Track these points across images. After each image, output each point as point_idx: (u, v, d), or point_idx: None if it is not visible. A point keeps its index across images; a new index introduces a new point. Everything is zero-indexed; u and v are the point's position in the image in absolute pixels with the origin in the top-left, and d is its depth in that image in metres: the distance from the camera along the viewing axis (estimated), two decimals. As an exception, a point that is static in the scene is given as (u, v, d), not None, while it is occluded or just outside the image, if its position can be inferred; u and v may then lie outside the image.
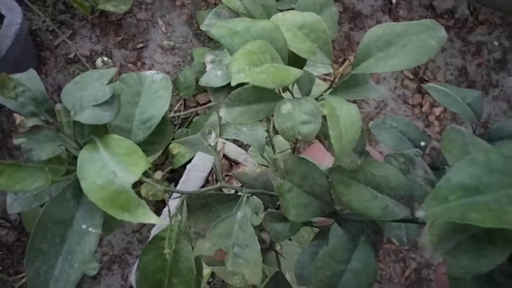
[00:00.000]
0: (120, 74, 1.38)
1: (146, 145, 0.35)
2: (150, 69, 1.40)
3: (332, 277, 0.32)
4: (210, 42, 1.47)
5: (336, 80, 0.32)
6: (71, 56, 1.34)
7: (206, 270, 0.82)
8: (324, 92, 0.32)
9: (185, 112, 1.33)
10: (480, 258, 0.26)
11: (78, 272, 0.25)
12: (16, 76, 0.31)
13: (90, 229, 0.27)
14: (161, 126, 0.36)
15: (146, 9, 1.48)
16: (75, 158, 0.33)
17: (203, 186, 1.05)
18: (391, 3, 1.57)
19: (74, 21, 1.38)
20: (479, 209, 0.23)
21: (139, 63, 1.39)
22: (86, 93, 0.30)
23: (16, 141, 0.26)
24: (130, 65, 1.38)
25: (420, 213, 0.25)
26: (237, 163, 1.00)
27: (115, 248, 1.19)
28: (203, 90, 1.40)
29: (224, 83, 0.40)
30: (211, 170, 1.01)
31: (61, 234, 0.27)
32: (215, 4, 1.52)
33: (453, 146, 0.31)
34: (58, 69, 1.32)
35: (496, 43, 1.55)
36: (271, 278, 0.46)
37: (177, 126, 1.33)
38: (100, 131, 0.31)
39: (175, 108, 1.38)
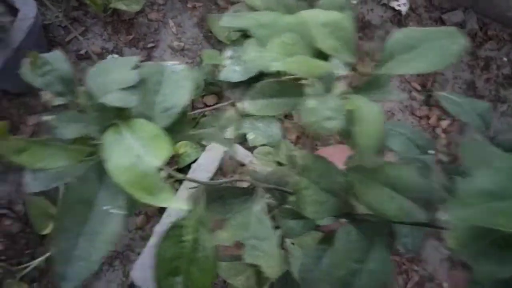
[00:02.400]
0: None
1: (166, 133, 0.35)
2: (159, 68, 1.41)
3: (347, 276, 0.32)
4: (220, 45, 1.48)
5: (356, 81, 0.32)
6: (82, 52, 1.35)
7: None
8: (346, 90, 0.33)
9: (193, 113, 1.34)
10: (503, 264, 0.26)
11: (100, 252, 0.25)
12: (44, 54, 0.32)
13: (112, 210, 0.27)
14: (181, 116, 0.36)
15: (158, 10, 1.49)
16: (95, 143, 0.33)
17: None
18: (401, 14, 1.58)
19: (86, 18, 1.39)
20: (504, 214, 0.24)
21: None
22: (112, 76, 0.31)
23: (45, 117, 0.27)
24: (140, 64, 1.39)
25: (443, 216, 0.25)
26: (242, 164, 1.00)
27: (117, 244, 1.19)
28: (211, 92, 1.41)
29: (242, 79, 0.41)
30: (216, 171, 1.02)
31: (84, 213, 0.27)
32: (226, 9, 1.53)
33: (472, 153, 0.32)
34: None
35: (505, 59, 1.55)
36: (280, 277, 0.46)
37: (183, 127, 1.34)
38: (124, 115, 0.31)
39: (182, 108, 1.38)
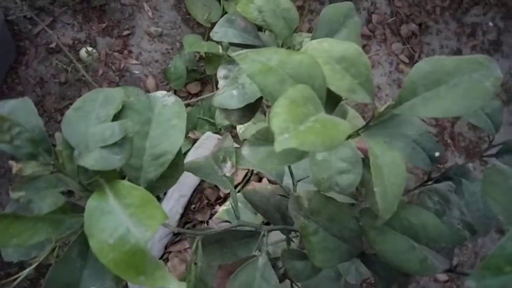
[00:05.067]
0: (105, 64, 1.31)
1: (157, 181, 0.31)
2: (137, 58, 1.33)
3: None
4: (200, 28, 1.40)
5: (372, 121, 0.28)
6: (53, 45, 1.26)
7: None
8: (359, 130, 0.29)
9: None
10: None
11: None
12: (10, 104, 0.27)
13: (100, 293, 0.24)
14: (174, 159, 0.32)
15: (131, -7, 1.40)
16: (80, 199, 0.29)
17: (199, 185, 1.02)
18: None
19: (54, 8, 1.29)
20: None
21: (125, 52, 1.32)
22: (92, 130, 0.26)
23: (14, 195, 0.23)
24: (116, 54, 1.31)
25: (471, 284, 0.22)
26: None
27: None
28: (194, 79, 1.35)
29: (241, 105, 0.37)
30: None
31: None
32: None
33: (497, 191, 0.29)
34: (40, 60, 1.24)
35: (491, 23, 1.53)
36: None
37: (167, 118, 1.28)
38: (107, 173, 0.27)
39: (165, 99, 1.33)
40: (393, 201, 0.24)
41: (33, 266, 0.98)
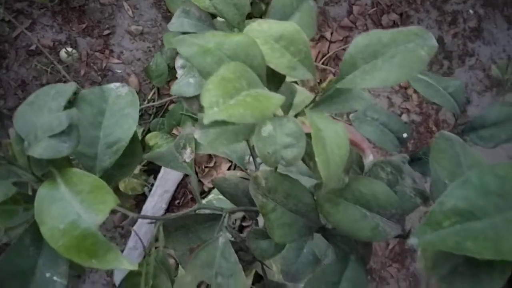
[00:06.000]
0: (87, 64, 1.31)
1: (113, 169, 0.32)
2: (119, 57, 1.33)
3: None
4: (181, 25, 1.40)
5: (318, 96, 0.29)
6: (33, 47, 1.25)
7: None
8: (306, 107, 0.30)
9: (160, 101, 1.28)
10: (477, 284, 0.25)
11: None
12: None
13: (55, 277, 0.24)
14: (130, 147, 0.32)
15: (110, -8, 1.39)
16: (35, 191, 0.29)
17: (183, 180, 1.02)
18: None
19: (32, 10, 1.29)
20: (474, 238, 0.22)
21: (106, 51, 1.32)
22: (41, 121, 0.27)
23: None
24: (97, 54, 1.31)
25: (413, 241, 0.23)
26: (216, 155, 0.97)
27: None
28: (176, 76, 1.35)
29: (197, 92, 0.37)
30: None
31: (25, 285, 0.24)
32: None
33: (443, 157, 0.30)
34: (20, 63, 1.24)
35: (471, 11, 1.54)
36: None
37: (152, 116, 1.29)
38: (59, 162, 0.28)
39: (149, 97, 1.33)
40: (336, 170, 0.25)
41: None
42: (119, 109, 0.32)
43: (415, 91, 1.45)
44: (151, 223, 0.32)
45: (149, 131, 1.25)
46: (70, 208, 0.25)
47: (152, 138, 1.23)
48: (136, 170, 1.19)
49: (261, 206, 0.32)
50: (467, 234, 0.22)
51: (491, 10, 1.54)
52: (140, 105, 1.37)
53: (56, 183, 0.26)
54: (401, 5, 1.53)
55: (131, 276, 0.29)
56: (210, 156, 1.04)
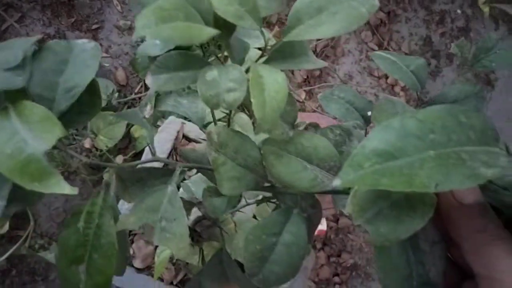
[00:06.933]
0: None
1: (72, 116, 0.33)
2: (107, 51, 1.35)
3: (263, 250, 0.32)
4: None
5: (268, 47, 0.31)
6: (22, 38, 1.27)
7: (167, 252, 0.81)
8: (256, 61, 0.31)
9: (145, 93, 1.30)
10: (399, 225, 0.26)
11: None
12: None
13: (-3, 200, 0.26)
14: (91, 99, 0.34)
15: (100, -12, 1.42)
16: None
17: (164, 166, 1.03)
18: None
19: (22, 3, 1.30)
20: (391, 174, 0.23)
21: (96, 44, 1.34)
22: (-1, 57, 0.28)
23: None
24: (87, 45, 1.32)
25: (336, 182, 0.24)
26: (197, 142, 0.98)
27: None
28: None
29: (162, 52, 0.39)
30: (170, 152, 0.99)
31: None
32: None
33: (383, 115, 0.31)
34: (8, 51, 1.25)
35: (459, 11, 1.58)
36: (214, 254, 0.45)
37: (138, 109, 1.30)
38: (16, 98, 0.29)
39: (136, 90, 1.34)
40: (272, 113, 0.27)
41: (4, 257, 0.99)
42: (82, 61, 0.34)
43: (402, 89, 1.48)
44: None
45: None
46: (18, 135, 0.26)
47: (137, 130, 1.25)
48: (120, 160, 1.20)
49: (213, 160, 0.34)
50: (385, 172, 0.24)
51: (478, 10, 1.58)
52: (126, 97, 1.37)
53: (8, 114, 0.27)
54: (389, 4, 1.56)
55: (77, 213, 0.30)
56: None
